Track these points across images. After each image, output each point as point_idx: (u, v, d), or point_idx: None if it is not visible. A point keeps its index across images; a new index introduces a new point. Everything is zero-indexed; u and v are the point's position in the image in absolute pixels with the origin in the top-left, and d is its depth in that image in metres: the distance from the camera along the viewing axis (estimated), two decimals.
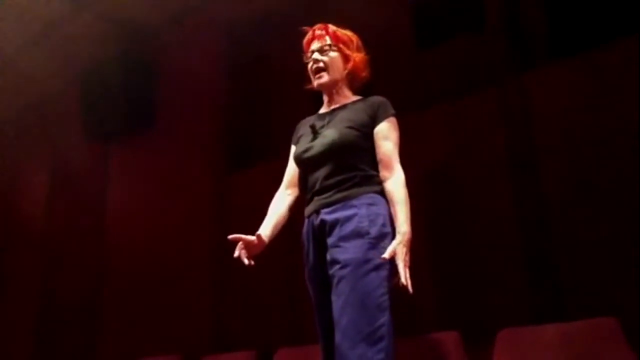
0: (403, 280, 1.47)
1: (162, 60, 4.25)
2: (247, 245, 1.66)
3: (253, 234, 1.74)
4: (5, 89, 4.83)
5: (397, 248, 1.50)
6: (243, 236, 1.65)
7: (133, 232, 4.06)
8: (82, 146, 4.54)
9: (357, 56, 1.79)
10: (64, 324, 4.36)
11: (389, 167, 1.64)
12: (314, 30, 1.81)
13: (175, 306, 3.61)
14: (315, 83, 1.78)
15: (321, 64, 1.75)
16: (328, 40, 1.77)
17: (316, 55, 1.76)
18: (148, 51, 4.31)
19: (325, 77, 1.76)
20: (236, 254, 1.66)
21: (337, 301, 1.51)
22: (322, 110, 1.84)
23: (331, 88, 1.79)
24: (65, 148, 4.83)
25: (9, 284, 5.08)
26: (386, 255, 1.49)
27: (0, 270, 5.19)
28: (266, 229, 1.75)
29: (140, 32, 4.27)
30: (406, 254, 1.51)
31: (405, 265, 1.49)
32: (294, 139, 1.86)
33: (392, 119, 1.70)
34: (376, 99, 1.75)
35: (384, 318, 1.46)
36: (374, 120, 1.68)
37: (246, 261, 1.65)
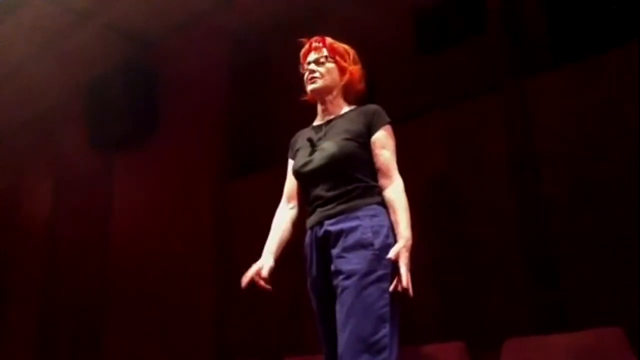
0: (404, 283, 1.47)
1: (165, 68, 4.28)
2: (258, 275, 1.67)
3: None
4: (12, 98, 4.88)
5: (401, 251, 1.51)
6: (252, 276, 1.68)
7: (136, 240, 4.07)
8: (87, 154, 4.57)
9: (353, 68, 1.79)
10: (67, 329, 4.37)
11: (387, 176, 1.65)
12: (310, 42, 1.82)
13: (178, 314, 3.60)
14: (309, 88, 1.78)
15: (316, 74, 1.76)
16: (325, 52, 1.78)
17: (312, 66, 1.77)
18: (151, 59, 4.34)
19: (318, 82, 1.76)
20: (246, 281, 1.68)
21: (341, 311, 1.51)
22: (317, 122, 1.83)
23: (324, 96, 1.79)
24: (70, 156, 4.85)
25: (13, 291, 5.10)
26: (391, 255, 1.50)
27: (4, 277, 5.21)
28: (272, 247, 1.74)
29: (143, 41, 4.31)
30: (408, 258, 1.52)
31: (407, 269, 1.50)
32: (291, 153, 1.86)
33: (388, 127, 1.70)
34: (370, 107, 1.74)
35: (386, 329, 1.46)
36: (370, 129, 1.68)
37: (266, 287, 1.68)
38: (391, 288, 1.49)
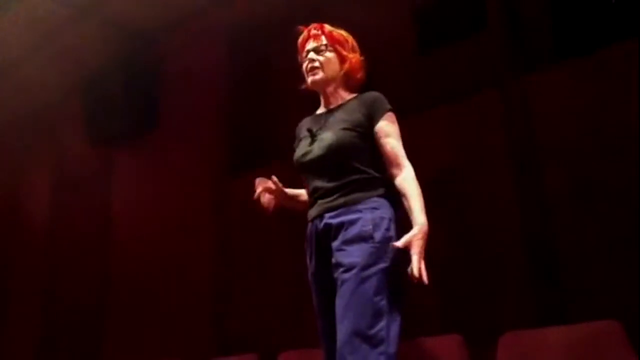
0: (416, 271, 1.44)
1: (164, 65, 4.28)
2: (268, 191, 1.71)
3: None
4: (10, 94, 4.86)
5: (413, 239, 1.48)
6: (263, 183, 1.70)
7: (136, 235, 4.07)
8: (86, 150, 4.56)
9: (353, 57, 1.77)
10: (68, 328, 4.37)
11: (396, 164, 1.62)
12: (309, 30, 1.79)
13: (178, 309, 3.61)
14: (309, 80, 1.76)
15: (316, 63, 1.74)
16: (324, 41, 1.75)
17: (312, 55, 1.75)
18: (151, 56, 4.33)
19: (319, 75, 1.74)
20: (258, 193, 1.70)
21: (340, 304, 1.51)
22: (319, 111, 1.83)
23: (325, 87, 1.77)
24: (69, 152, 4.85)
25: (13, 288, 5.09)
26: (399, 244, 1.47)
27: (4, 274, 5.20)
28: (291, 191, 1.79)
29: (142, 37, 4.30)
30: (422, 246, 1.49)
31: (420, 257, 1.47)
32: (296, 142, 1.86)
33: (389, 114, 1.67)
34: (369, 95, 1.72)
35: (383, 322, 1.45)
36: (371, 119, 1.65)
37: (265, 204, 1.70)
38: (412, 271, 1.45)
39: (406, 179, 1.59)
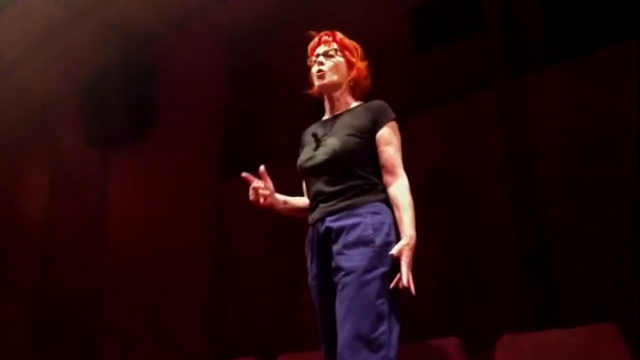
0: (405, 282, 1.47)
1: (162, 66, 4.27)
2: (260, 189, 1.68)
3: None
4: (8, 94, 4.85)
5: (404, 249, 1.51)
6: (252, 178, 1.69)
7: (132, 236, 4.06)
8: (83, 151, 4.56)
9: (361, 64, 1.80)
10: (62, 328, 4.36)
11: (392, 173, 1.64)
12: (320, 36, 1.83)
13: (174, 312, 3.60)
14: (317, 83, 1.79)
15: (325, 67, 1.76)
16: (334, 46, 1.79)
17: (321, 59, 1.78)
18: (149, 57, 4.33)
19: (327, 77, 1.76)
20: (251, 197, 1.69)
21: (340, 308, 1.52)
22: (325, 117, 1.84)
23: (332, 92, 1.79)
24: (66, 152, 4.84)
25: (8, 288, 5.09)
26: (394, 251, 1.50)
27: (0, 271, 5.19)
28: (285, 197, 1.78)
29: (141, 38, 4.30)
30: (410, 257, 1.51)
31: (408, 268, 1.49)
32: (300, 148, 1.87)
33: (393, 124, 1.70)
34: (376, 103, 1.74)
35: (385, 326, 1.46)
36: (375, 125, 1.68)
37: (261, 201, 1.68)
38: (391, 285, 1.48)
39: (399, 189, 1.61)
